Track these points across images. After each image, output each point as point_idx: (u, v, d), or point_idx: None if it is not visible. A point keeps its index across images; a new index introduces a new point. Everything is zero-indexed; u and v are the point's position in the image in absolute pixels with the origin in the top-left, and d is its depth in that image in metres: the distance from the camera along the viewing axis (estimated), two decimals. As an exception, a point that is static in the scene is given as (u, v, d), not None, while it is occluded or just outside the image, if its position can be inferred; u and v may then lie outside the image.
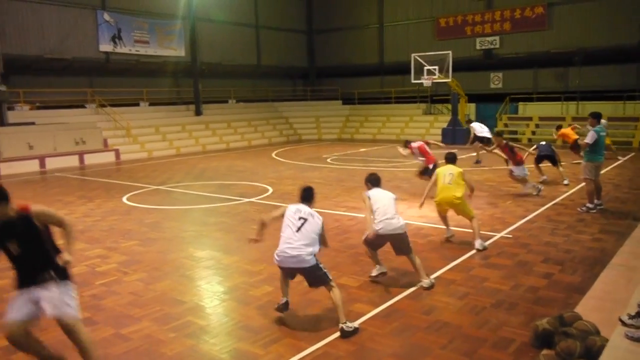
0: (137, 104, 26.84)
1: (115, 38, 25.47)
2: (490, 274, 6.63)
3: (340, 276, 6.67)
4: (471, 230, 7.90)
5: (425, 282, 6.25)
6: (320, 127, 31.50)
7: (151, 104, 27.42)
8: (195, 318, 5.60)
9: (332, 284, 5.29)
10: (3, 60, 20.50)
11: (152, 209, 11.48)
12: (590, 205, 9.93)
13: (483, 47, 28.41)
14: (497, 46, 27.99)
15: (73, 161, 20.62)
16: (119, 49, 25.60)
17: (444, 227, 8.33)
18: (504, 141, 12.22)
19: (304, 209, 5.43)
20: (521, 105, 27.06)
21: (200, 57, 28.21)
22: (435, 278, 6.50)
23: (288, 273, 5.42)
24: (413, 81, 25.65)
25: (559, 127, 17.19)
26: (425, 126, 28.43)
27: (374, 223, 6.19)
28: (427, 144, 12.32)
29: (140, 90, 26.83)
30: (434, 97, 29.65)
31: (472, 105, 27.66)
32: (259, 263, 7.34)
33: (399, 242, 6.33)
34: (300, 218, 5.32)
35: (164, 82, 28.35)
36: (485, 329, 5.11)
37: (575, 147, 15.74)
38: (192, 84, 27.93)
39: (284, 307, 5.38)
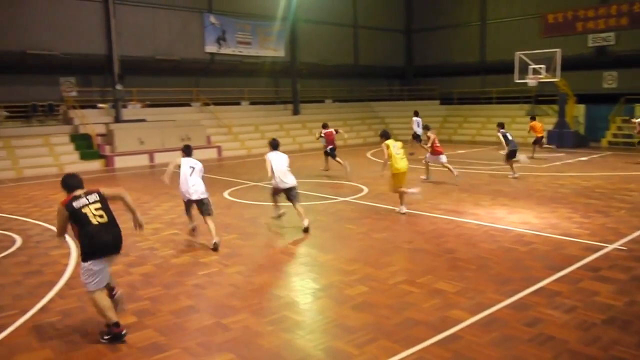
0: (238, 103, 27.96)
1: (220, 39, 26.68)
2: (601, 288, 6.17)
3: (437, 281, 6.51)
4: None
5: (305, 221, 9.03)
6: (416, 127, 30.97)
7: (251, 103, 28.44)
8: (291, 313, 5.71)
9: (213, 214, 8.52)
10: (120, 62, 22.23)
11: (251, 204, 11.87)
12: None
13: (596, 44, 26.56)
14: (612, 43, 26.04)
15: (179, 156, 21.75)
16: (223, 50, 26.80)
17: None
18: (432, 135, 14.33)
19: (191, 161, 8.56)
20: (638, 107, 24.94)
21: (299, 57, 28.81)
22: (538, 288, 6.17)
23: (190, 205, 8.74)
24: (516, 81, 24.50)
25: (532, 118, 19.36)
26: (528, 128, 27.00)
27: (274, 179, 8.98)
28: (336, 132, 16.80)
29: (241, 90, 27.91)
30: (539, 98, 28.11)
31: (582, 107, 25.86)
32: (354, 262, 7.35)
33: (290, 192, 9.11)
34: (190, 167, 8.45)
35: (264, 82, 29.24)
36: (595, 347, 4.76)
37: (538, 141, 18.79)
38: (290, 84, 28.62)
39: (193, 230, 9.13)
